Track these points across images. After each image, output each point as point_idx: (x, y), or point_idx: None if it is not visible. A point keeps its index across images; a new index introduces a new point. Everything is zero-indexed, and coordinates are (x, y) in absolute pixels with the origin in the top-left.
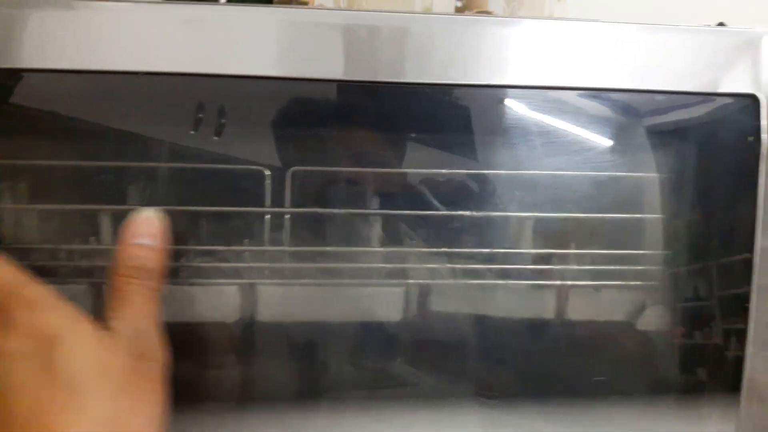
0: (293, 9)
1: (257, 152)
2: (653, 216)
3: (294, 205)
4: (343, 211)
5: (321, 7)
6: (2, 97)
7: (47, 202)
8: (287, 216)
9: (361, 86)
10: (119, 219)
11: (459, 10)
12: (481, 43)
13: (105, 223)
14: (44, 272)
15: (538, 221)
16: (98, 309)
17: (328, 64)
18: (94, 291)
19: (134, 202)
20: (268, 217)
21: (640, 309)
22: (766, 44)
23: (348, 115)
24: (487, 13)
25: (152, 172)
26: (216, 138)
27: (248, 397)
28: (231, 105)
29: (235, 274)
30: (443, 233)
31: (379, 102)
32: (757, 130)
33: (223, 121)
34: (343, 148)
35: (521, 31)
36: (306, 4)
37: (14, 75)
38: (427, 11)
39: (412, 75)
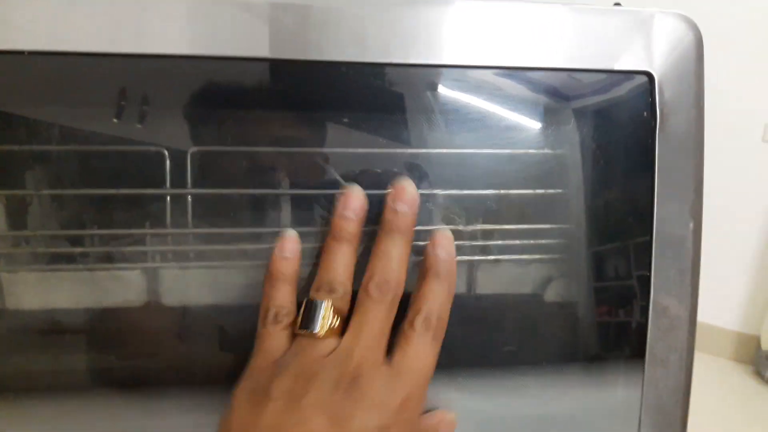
0: None
1: (162, 134)
2: (555, 191)
3: (196, 186)
4: (242, 191)
5: None
6: None
7: None
8: (189, 198)
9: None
10: (11, 203)
11: None
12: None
13: None
14: None
15: (447, 198)
16: None
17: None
18: None
19: (30, 186)
20: (169, 199)
21: (546, 282)
22: (657, 23)
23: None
24: None
25: (49, 155)
26: (139, 126)
27: (160, 381)
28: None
29: (139, 258)
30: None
31: (292, 81)
32: (652, 106)
33: (145, 108)
34: (262, 129)
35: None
36: None
37: None
38: None
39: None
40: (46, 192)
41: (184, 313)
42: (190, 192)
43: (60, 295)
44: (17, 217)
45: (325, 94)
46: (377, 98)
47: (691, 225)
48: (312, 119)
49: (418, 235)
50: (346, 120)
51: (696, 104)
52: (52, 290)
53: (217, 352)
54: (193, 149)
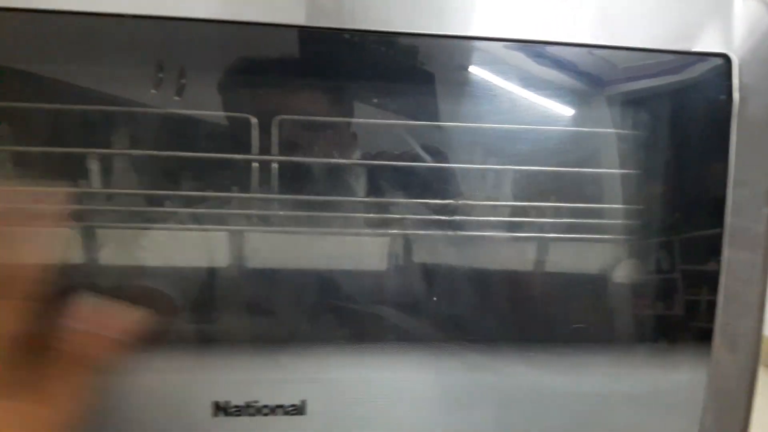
0: None
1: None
2: (628, 171)
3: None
4: (326, 160)
5: None
6: None
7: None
8: (274, 164)
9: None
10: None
11: None
12: None
13: (93, 168)
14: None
15: (517, 175)
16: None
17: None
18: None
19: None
20: (255, 165)
21: (615, 262)
22: (737, 6)
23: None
24: None
25: (141, 117)
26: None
27: (242, 339)
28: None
29: (223, 221)
30: (430, 185)
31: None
32: (729, 90)
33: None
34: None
35: None
36: None
37: None
38: None
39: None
40: (141, 152)
41: (265, 275)
42: (275, 159)
43: (147, 253)
44: (112, 176)
45: (411, 66)
46: (470, 74)
47: (765, 210)
48: (393, 91)
49: (494, 210)
50: (429, 93)
51: None
52: (142, 248)
53: (296, 314)
54: (278, 117)
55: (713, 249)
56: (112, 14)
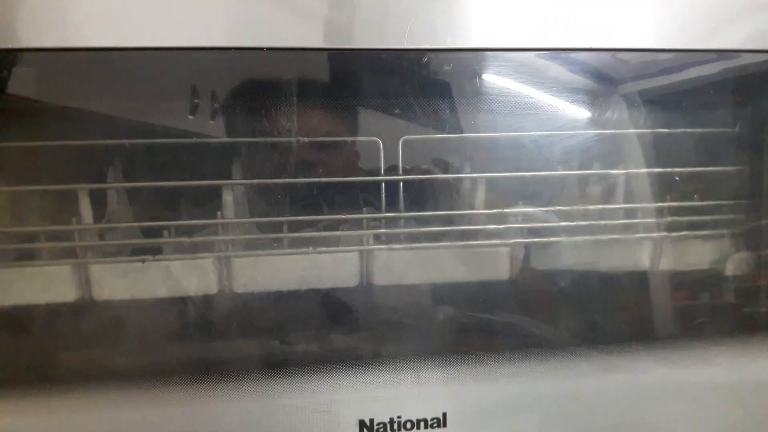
0: None
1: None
2: (736, 168)
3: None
4: (450, 176)
5: None
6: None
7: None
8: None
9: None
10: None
11: None
12: None
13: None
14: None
15: (632, 177)
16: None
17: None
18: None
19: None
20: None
21: (726, 256)
22: None
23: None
24: None
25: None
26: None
27: (382, 356)
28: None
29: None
30: (555, 193)
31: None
32: None
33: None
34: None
35: None
36: None
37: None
38: None
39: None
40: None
41: (397, 291)
42: (401, 178)
43: (281, 277)
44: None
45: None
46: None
47: None
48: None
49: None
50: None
51: None
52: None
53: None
54: (404, 138)
55: None
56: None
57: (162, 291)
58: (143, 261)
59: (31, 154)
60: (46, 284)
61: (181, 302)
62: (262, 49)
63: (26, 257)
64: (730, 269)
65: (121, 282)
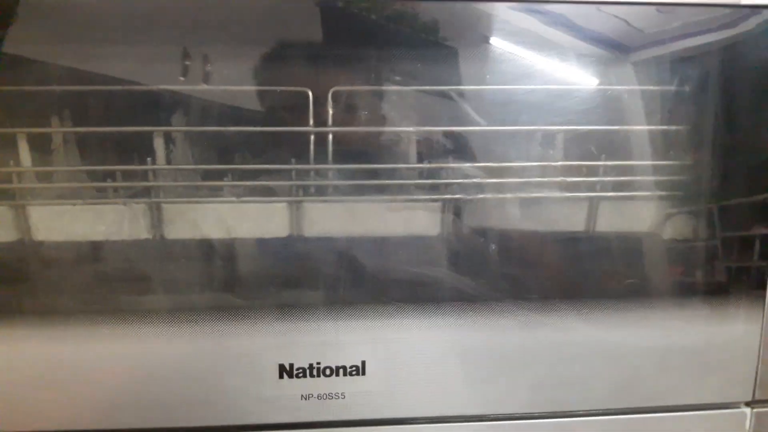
0: None
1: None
2: (678, 127)
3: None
4: (381, 129)
5: None
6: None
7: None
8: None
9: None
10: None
11: None
12: None
13: (159, 144)
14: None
15: (566, 136)
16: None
17: None
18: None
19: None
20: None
21: (666, 219)
22: None
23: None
24: None
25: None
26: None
27: (303, 305)
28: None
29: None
30: (485, 148)
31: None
32: None
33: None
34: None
35: None
36: None
37: None
38: None
39: None
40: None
41: (322, 243)
42: (331, 130)
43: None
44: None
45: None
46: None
47: None
48: (437, 57)
49: (529, 171)
50: (479, 56)
51: None
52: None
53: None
54: (334, 89)
55: (766, 202)
56: None
57: (100, 234)
58: (74, 204)
59: None
60: None
61: (118, 245)
62: None
63: None
64: (667, 232)
65: (58, 223)
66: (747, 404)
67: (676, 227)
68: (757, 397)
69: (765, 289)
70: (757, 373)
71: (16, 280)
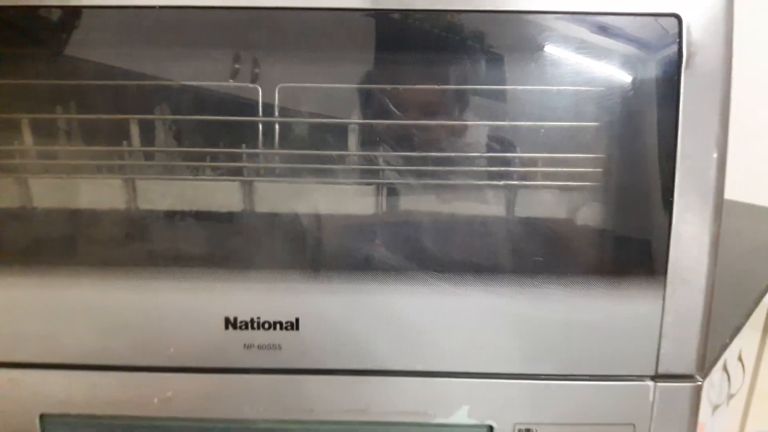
0: None
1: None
2: (589, 124)
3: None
4: (325, 120)
5: None
6: (44, 37)
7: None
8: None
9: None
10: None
11: None
12: None
13: (133, 130)
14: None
15: (494, 130)
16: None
17: None
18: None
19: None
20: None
21: (579, 206)
22: None
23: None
24: None
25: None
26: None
27: (249, 267)
28: None
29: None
30: (417, 140)
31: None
32: (679, 46)
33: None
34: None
35: None
36: None
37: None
38: None
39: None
40: (171, 117)
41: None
42: (277, 120)
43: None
44: (151, 136)
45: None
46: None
47: (715, 155)
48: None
49: (472, 161)
50: (418, 60)
51: (725, 45)
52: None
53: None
54: (280, 85)
55: (667, 191)
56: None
57: (84, 202)
58: (61, 178)
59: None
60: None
61: (99, 214)
62: None
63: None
64: (579, 218)
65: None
66: (651, 378)
67: (587, 214)
68: (660, 372)
69: (665, 273)
70: (658, 349)
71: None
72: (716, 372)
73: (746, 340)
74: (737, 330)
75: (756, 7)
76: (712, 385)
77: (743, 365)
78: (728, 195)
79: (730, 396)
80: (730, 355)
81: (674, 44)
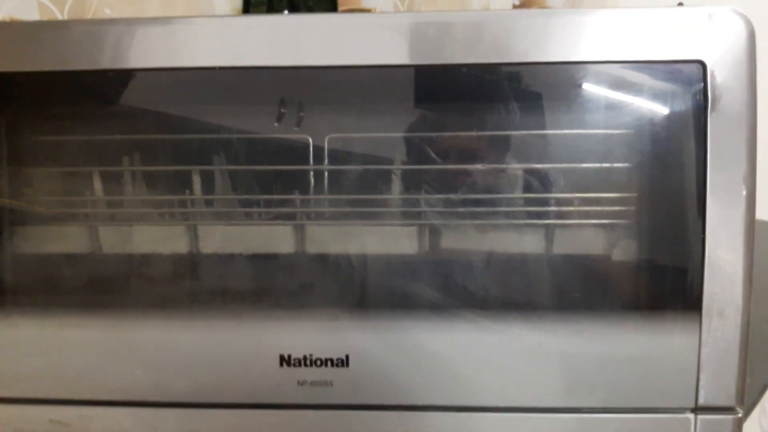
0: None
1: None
2: (623, 165)
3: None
4: (370, 167)
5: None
6: (115, 96)
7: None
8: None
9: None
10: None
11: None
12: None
13: (193, 179)
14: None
15: (531, 171)
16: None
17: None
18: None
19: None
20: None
21: (615, 242)
22: (712, 18)
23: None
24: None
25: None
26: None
27: (302, 306)
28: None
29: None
30: (457, 183)
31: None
32: (704, 90)
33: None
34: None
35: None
36: (369, 11)
37: (125, 75)
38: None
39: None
40: (228, 167)
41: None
42: (327, 168)
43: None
44: (210, 185)
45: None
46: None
47: (744, 192)
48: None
49: (510, 202)
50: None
51: (748, 87)
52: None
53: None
54: (330, 135)
55: (699, 229)
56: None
57: (147, 248)
58: (129, 225)
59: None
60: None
61: (162, 258)
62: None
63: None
64: (615, 254)
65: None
66: (691, 411)
67: (623, 250)
68: (699, 404)
69: (700, 308)
70: (697, 381)
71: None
72: (767, 400)
73: None
74: None
75: None
76: (765, 413)
77: None
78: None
79: None
80: None
81: (700, 88)
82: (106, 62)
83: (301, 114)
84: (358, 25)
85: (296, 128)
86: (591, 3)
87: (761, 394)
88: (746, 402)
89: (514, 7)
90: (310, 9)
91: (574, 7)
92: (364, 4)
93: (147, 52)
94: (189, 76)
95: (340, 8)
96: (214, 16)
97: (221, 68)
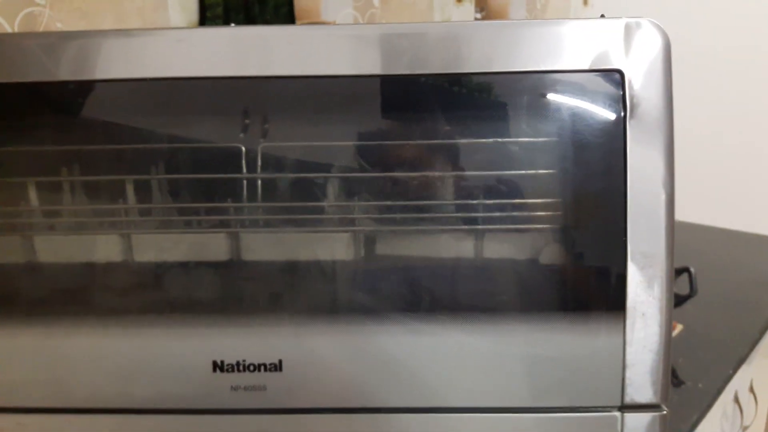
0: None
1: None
2: (548, 171)
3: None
4: (303, 175)
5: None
6: (77, 107)
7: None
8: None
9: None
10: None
11: None
12: None
13: (129, 189)
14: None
15: (458, 179)
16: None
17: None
18: None
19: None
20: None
21: (540, 247)
22: (630, 29)
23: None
24: None
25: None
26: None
27: (235, 312)
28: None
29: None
30: (392, 190)
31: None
32: (623, 98)
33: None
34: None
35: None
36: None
37: (87, 86)
38: None
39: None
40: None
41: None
42: (259, 176)
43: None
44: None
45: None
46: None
47: (663, 196)
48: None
49: (440, 208)
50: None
51: (665, 95)
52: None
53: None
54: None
55: (621, 232)
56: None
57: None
58: (65, 235)
59: None
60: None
61: (98, 267)
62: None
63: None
64: (542, 257)
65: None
66: (618, 408)
67: (547, 255)
68: (626, 402)
69: (624, 309)
70: (623, 380)
71: None
72: (728, 404)
73: (759, 371)
74: (741, 361)
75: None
76: (726, 417)
77: (755, 396)
78: (730, 225)
79: (744, 428)
80: (741, 387)
81: (618, 96)
82: (62, 74)
83: (266, 126)
84: (318, 36)
85: (262, 139)
86: (554, 14)
87: (715, 397)
88: (702, 404)
89: (476, 20)
90: (266, 23)
91: (536, 18)
92: (323, 18)
93: (104, 65)
94: (141, 86)
95: (298, 22)
96: (171, 28)
97: (163, 79)
